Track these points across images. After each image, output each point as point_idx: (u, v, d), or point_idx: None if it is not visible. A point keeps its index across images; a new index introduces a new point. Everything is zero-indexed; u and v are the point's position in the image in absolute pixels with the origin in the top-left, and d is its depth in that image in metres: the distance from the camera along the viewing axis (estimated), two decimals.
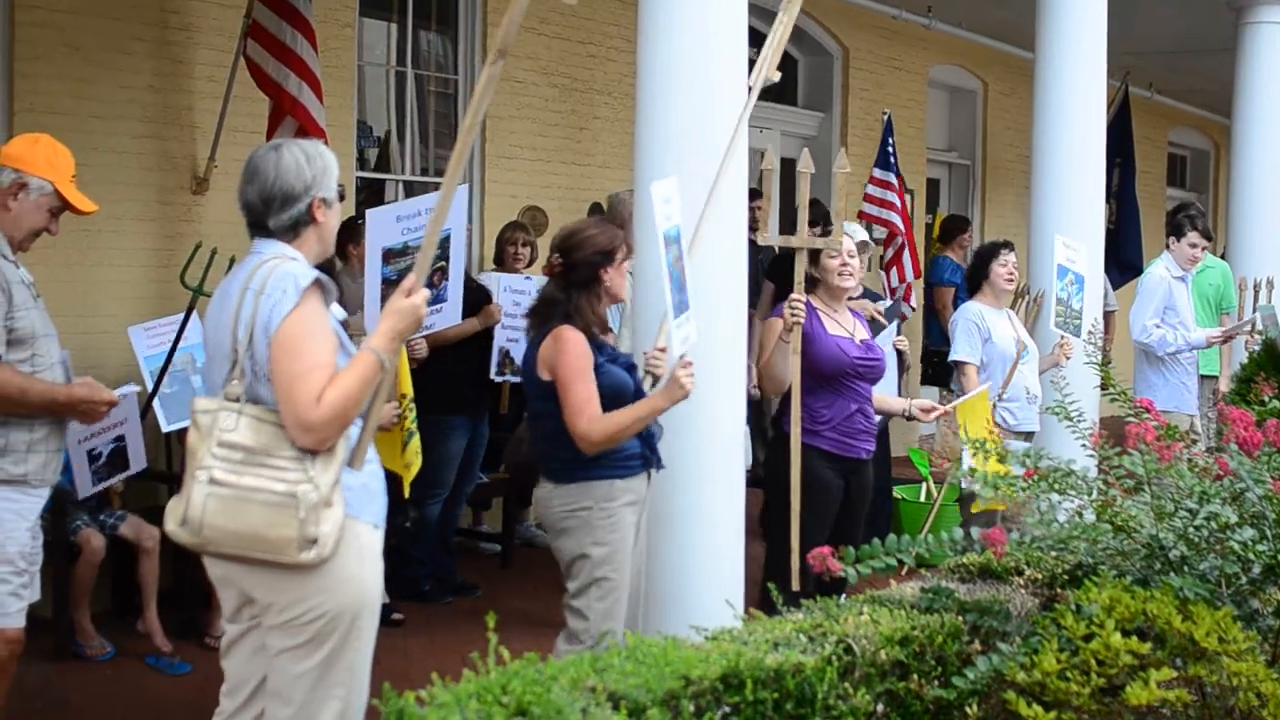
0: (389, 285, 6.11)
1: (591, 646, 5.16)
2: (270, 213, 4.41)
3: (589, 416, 5.50)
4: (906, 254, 13.09)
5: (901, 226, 13.09)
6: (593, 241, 5.73)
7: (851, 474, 7.03)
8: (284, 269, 4.29)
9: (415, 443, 6.44)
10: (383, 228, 6.30)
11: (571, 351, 5.55)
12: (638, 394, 5.70)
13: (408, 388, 6.33)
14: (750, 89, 6.20)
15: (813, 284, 7.00)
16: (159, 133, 8.76)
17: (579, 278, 5.70)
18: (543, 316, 5.75)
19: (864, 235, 8.12)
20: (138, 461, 6.53)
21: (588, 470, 5.59)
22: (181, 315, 7.48)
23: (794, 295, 6.64)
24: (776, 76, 6.29)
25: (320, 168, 4.44)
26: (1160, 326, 9.95)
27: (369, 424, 4.34)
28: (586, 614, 5.60)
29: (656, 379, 5.74)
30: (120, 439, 6.39)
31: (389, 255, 6.25)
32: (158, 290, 8.58)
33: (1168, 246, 10.30)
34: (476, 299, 8.54)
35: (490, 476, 9.70)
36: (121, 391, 5.73)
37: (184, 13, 8.85)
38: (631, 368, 5.82)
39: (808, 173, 6.64)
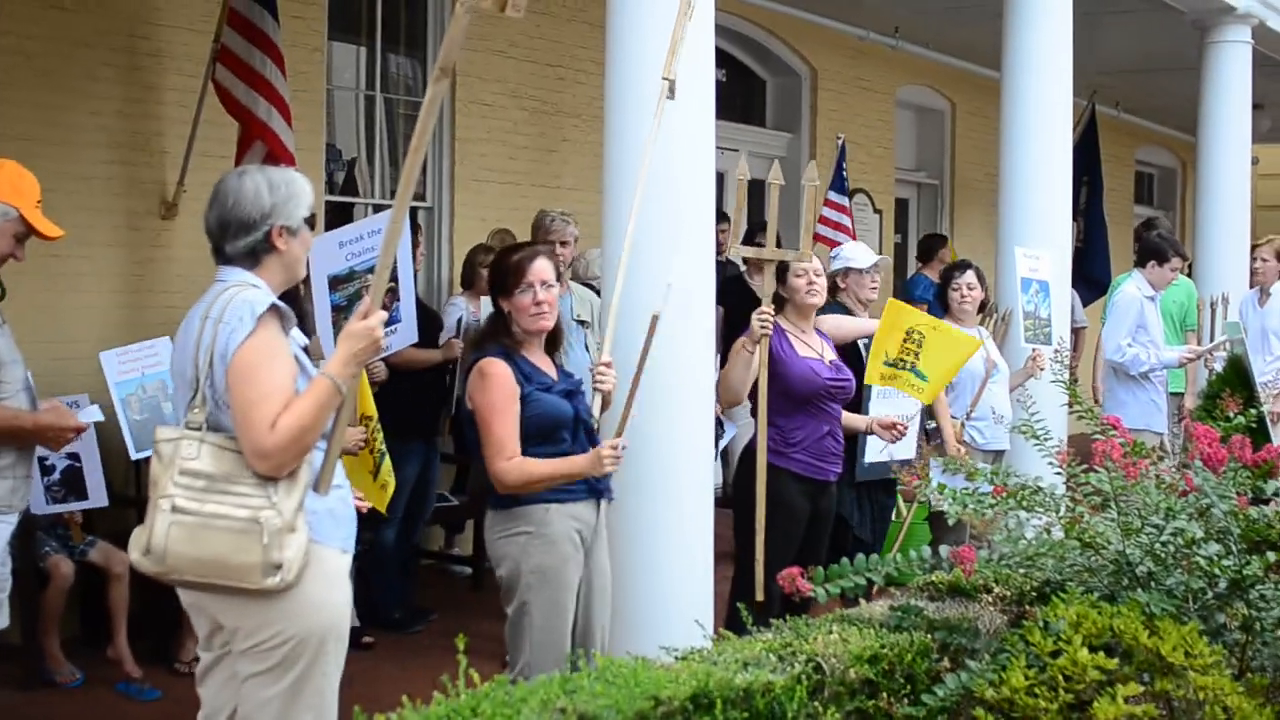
0: (337, 311, 6.10)
1: (521, 675, 5.17)
2: (227, 239, 4.41)
3: (506, 457, 5.40)
4: None
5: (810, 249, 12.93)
6: (490, 271, 5.73)
7: (819, 496, 7.05)
8: (242, 296, 4.28)
9: (388, 464, 6.43)
10: (326, 255, 6.27)
11: (491, 387, 5.45)
12: (578, 420, 5.61)
13: (371, 409, 6.31)
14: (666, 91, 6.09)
15: (780, 304, 7.01)
16: (128, 158, 8.74)
17: (494, 303, 5.68)
18: (472, 343, 5.72)
19: (873, 258, 8.13)
20: (97, 495, 6.51)
21: (523, 497, 5.48)
22: (154, 342, 7.43)
23: (763, 308, 6.65)
24: (672, 78, 6.08)
25: (284, 195, 4.41)
26: (1134, 345, 9.99)
27: (332, 448, 4.33)
28: (521, 640, 5.50)
29: (605, 395, 5.64)
30: (76, 459, 6.36)
31: (335, 282, 6.23)
32: (127, 316, 8.56)
33: (1142, 266, 10.29)
34: (429, 322, 8.52)
35: (460, 499, 9.71)
36: (91, 417, 5.71)
37: (153, 38, 8.85)
38: (570, 394, 5.67)
39: (778, 184, 6.65)
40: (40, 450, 6.29)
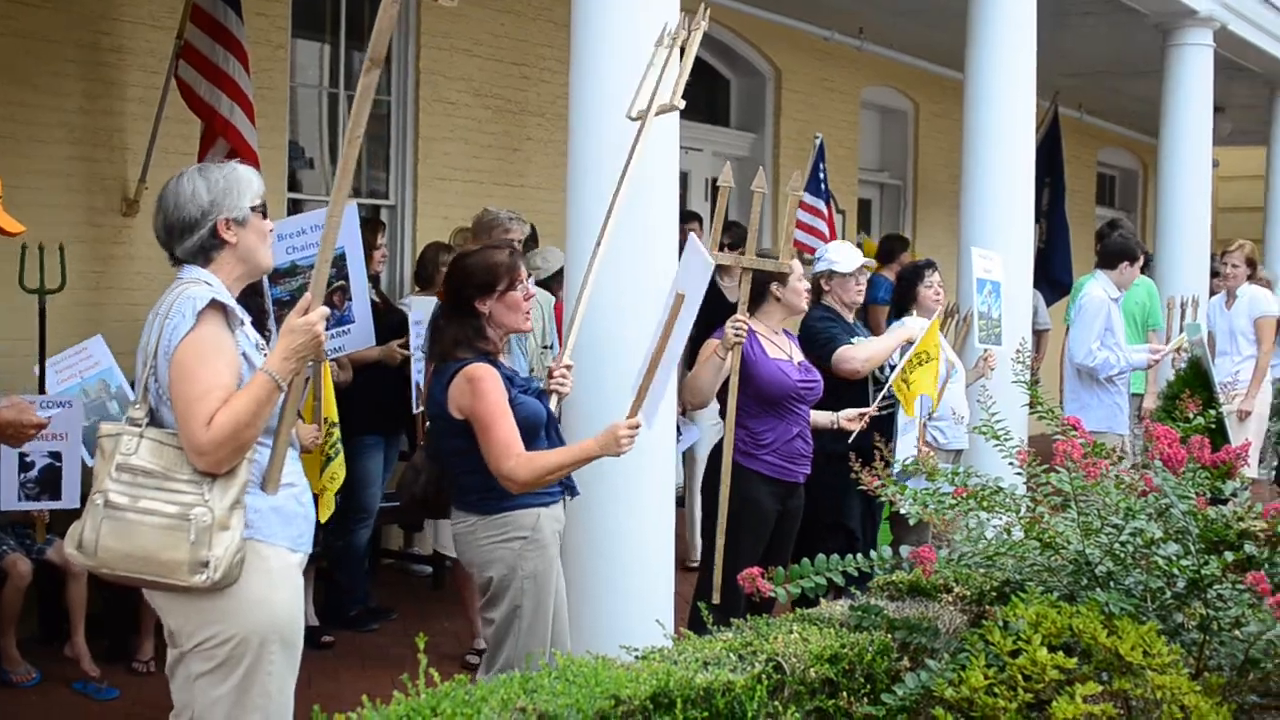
0: (280, 306, 6.06)
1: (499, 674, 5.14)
2: (175, 241, 4.43)
3: (514, 457, 5.30)
4: None
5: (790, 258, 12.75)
6: (467, 271, 5.56)
7: (788, 498, 7.06)
8: (189, 292, 4.29)
9: (332, 469, 6.41)
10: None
11: (489, 391, 5.35)
12: (550, 420, 5.59)
13: (333, 413, 6.28)
14: (636, 116, 6.13)
15: (754, 305, 7.01)
16: (89, 154, 8.71)
17: (460, 307, 5.53)
18: (440, 347, 5.55)
19: (857, 261, 8.08)
20: (71, 496, 6.47)
21: (513, 501, 5.44)
22: (86, 343, 7.32)
23: (738, 315, 6.67)
24: (681, 104, 6.19)
25: (223, 189, 4.42)
26: (1103, 349, 10.03)
27: (278, 447, 4.33)
28: (506, 641, 5.48)
29: (561, 398, 5.65)
30: (57, 457, 6.33)
31: (276, 276, 6.16)
32: (87, 313, 8.52)
33: (1110, 268, 10.31)
34: (393, 322, 8.47)
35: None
36: (52, 410, 5.66)
37: (115, 34, 8.81)
38: (543, 395, 5.66)
39: (760, 191, 6.65)
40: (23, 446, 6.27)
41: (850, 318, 8.00)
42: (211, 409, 4.15)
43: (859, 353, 7.65)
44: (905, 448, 7.68)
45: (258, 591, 4.27)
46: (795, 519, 7.18)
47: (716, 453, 6.90)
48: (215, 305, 4.26)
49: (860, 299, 8.01)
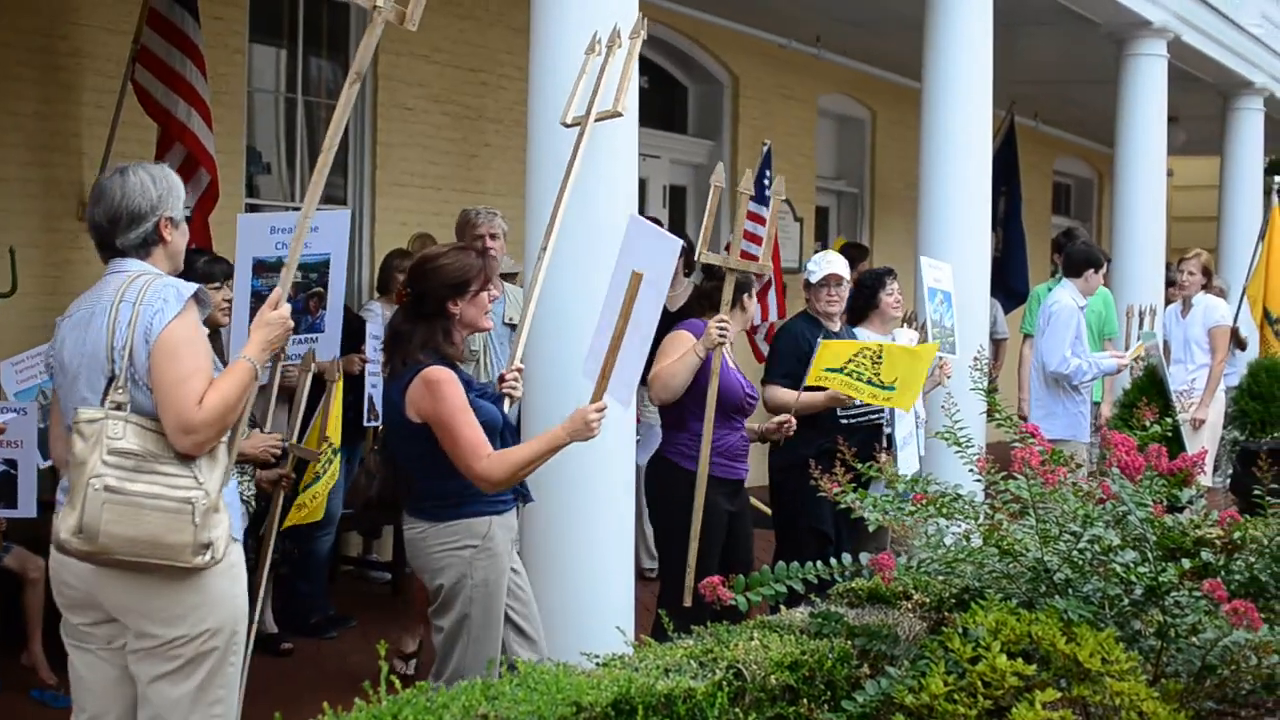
0: (258, 299, 6.00)
1: (446, 683, 5.14)
2: (118, 232, 4.49)
3: (486, 456, 5.26)
4: (772, 292, 12.41)
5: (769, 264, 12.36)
6: (441, 273, 5.46)
7: (734, 495, 7.15)
8: (162, 280, 4.42)
9: (315, 489, 6.40)
10: (255, 236, 6.08)
11: (449, 394, 5.30)
12: (505, 425, 5.56)
13: (336, 436, 6.27)
14: (568, 121, 6.15)
15: (706, 308, 7.04)
16: (45, 159, 8.66)
17: (427, 309, 5.45)
18: (399, 352, 5.47)
19: (825, 272, 8.07)
20: (27, 505, 6.44)
21: (467, 509, 5.43)
22: (44, 346, 7.27)
23: (720, 316, 6.70)
24: (623, 111, 6.20)
25: (165, 188, 4.54)
26: (1075, 356, 10.09)
27: (234, 438, 4.50)
28: (454, 649, 5.45)
29: (513, 402, 5.65)
30: (12, 465, 6.29)
31: (260, 267, 6.10)
32: (43, 318, 8.46)
33: (1076, 276, 10.37)
34: (351, 330, 8.40)
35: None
36: (5, 415, 5.63)
37: (71, 38, 8.76)
38: (499, 399, 5.65)
39: (748, 194, 6.75)
40: None
41: (836, 326, 7.98)
42: (200, 390, 4.28)
43: (785, 397, 7.63)
44: (907, 461, 7.69)
45: (226, 582, 4.41)
46: (745, 518, 7.27)
47: (657, 459, 6.96)
48: (195, 295, 4.40)
49: (832, 309, 7.97)
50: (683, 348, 6.85)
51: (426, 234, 10.46)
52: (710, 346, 6.69)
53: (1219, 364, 11.34)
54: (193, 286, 4.42)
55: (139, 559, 4.26)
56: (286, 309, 4.53)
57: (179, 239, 4.59)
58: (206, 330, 4.56)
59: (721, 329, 6.66)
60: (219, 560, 4.29)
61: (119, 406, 4.30)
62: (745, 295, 7.15)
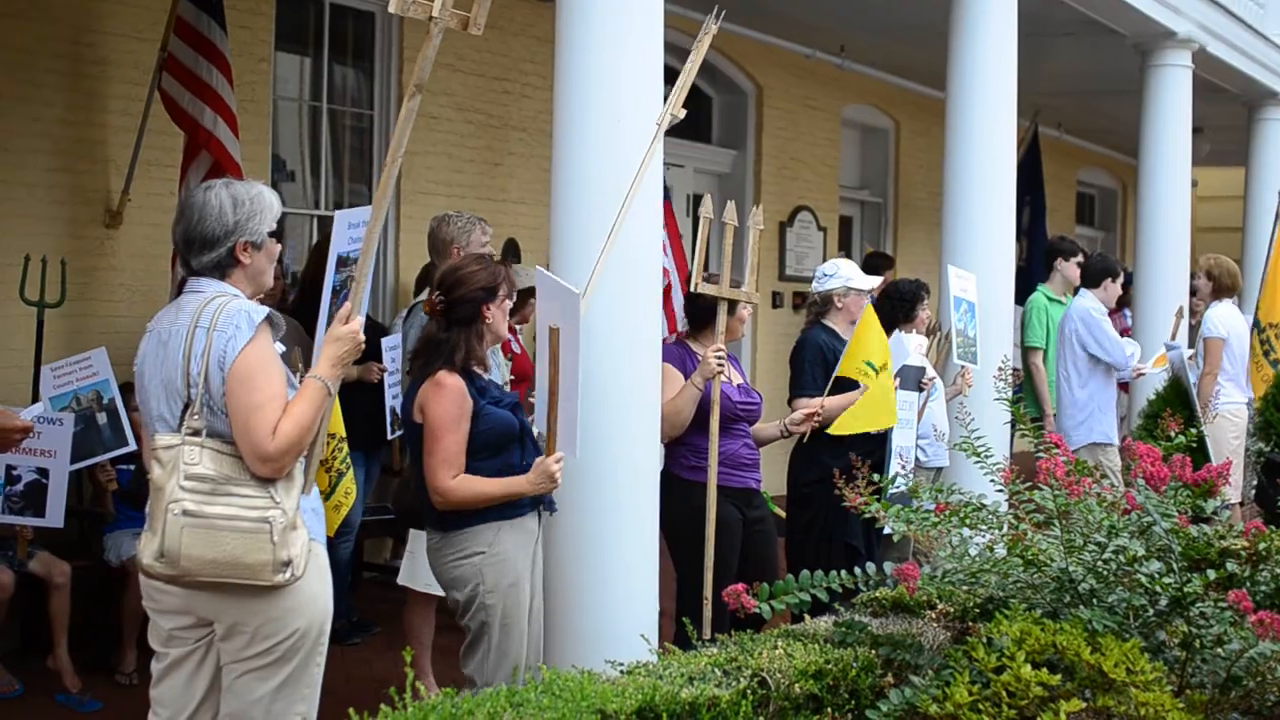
0: (334, 293, 5.99)
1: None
2: (192, 253, 4.54)
3: (452, 472, 5.40)
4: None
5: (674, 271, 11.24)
6: (474, 278, 5.59)
7: (747, 504, 7.14)
8: (235, 305, 4.43)
9: (344, 483, 6.40)
10: (339, 233, 6.11)
11: (446, 399, 5.43)
12: (524, 433, 5.64)
13: (339, 428, 6.28)
14: (657, 125, 6.20)
15: (699, 329, 7.11)
16: (71, 166, 8.68)
17: (460, 315, 5.55)
18: (425, 358, 5.59)
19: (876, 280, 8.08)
20: (55, 515, 6.46)
21: (474, 516, 5.49)
22: (90, 354, 7.34)
23: (717, 345, 6.73)
24: (682, 114, 6.29)
25: (247, 212, 4.53)
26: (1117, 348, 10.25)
27: (314, 451, 4.55)
28: (483, 660, 5.50)
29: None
30: (44, 474, 6.32)
31: (340, 262, 6.10)
32: (69, 325, 8.50)
33: (1093, 286, 10.43)
34: (374, 338, 8.36)
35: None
36: (34, 414, 5.65)
37: (97, 45, 8.79)
38: (516, 407, 5.70)
39: (733, 224, 6.77)
40: (9, 458, 6.26)
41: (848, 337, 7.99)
42: (274, 418, 4.33)
43: (813, 405, 7.59)
44: (893, 468, 7.70)
45: (314, 586, 4.51)
46: (765, 524, 7.27)
47: (664, 475, 6.98)
48: (267, 319, 4.44)
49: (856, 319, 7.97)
50: (671, 380, 6.85)
51: None
52: (709, 376, 6.74)
53: (1208, 377, 11.11)
54: (264, 310, 4.45)
55: (221, 579, 4.33)
56: (359, 323, 4.54)
57: (261, 260, 4.60)
58: (281, 349, 4.59)
59: (720, 357, 6.70)
60: (300, 576, 4.36)
61: (195, 432, 4.36)
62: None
